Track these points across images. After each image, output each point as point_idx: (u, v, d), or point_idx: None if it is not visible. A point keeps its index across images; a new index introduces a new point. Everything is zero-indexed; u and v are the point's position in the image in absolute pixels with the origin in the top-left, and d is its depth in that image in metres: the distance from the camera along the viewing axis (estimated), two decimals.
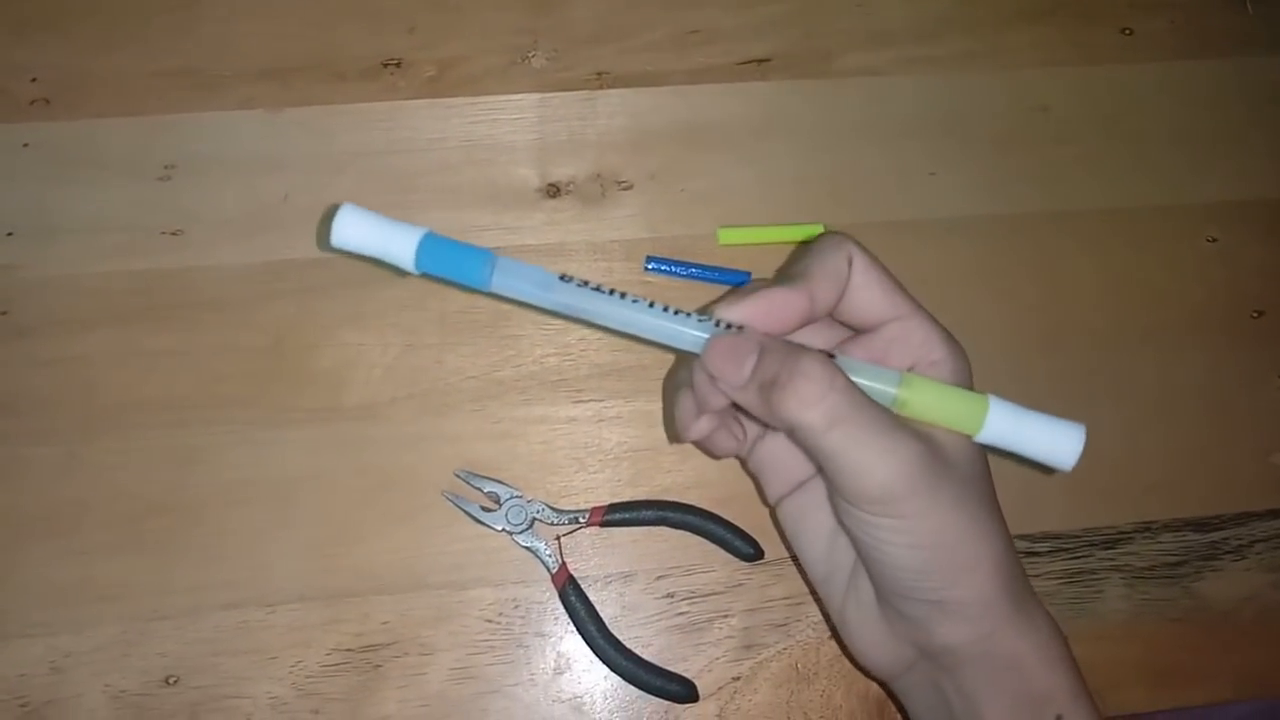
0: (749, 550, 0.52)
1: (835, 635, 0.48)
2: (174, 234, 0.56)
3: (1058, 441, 0.36)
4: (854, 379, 0.36)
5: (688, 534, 0.53)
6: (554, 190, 0.58)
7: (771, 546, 0.52)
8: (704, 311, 0.39)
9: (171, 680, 0.50)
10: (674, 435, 0.40)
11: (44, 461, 0.52)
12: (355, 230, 0.36)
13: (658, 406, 0.55)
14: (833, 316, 0.40)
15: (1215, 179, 0.61)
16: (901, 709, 0.44)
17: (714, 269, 0.56)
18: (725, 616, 0.52)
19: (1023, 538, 0.54)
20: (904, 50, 0.62)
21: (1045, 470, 0.38)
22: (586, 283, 0.38)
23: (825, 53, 0.61)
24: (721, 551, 0.53)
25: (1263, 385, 0.58)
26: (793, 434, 0.36)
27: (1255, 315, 0.59)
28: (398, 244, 0.36)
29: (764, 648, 0.52)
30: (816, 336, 0.42)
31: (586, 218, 0.58)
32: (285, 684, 0.50)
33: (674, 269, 0.56)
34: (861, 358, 0.39)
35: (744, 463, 0.47)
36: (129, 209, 0.56)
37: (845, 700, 0.52)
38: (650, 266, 0.56)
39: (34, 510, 0.52)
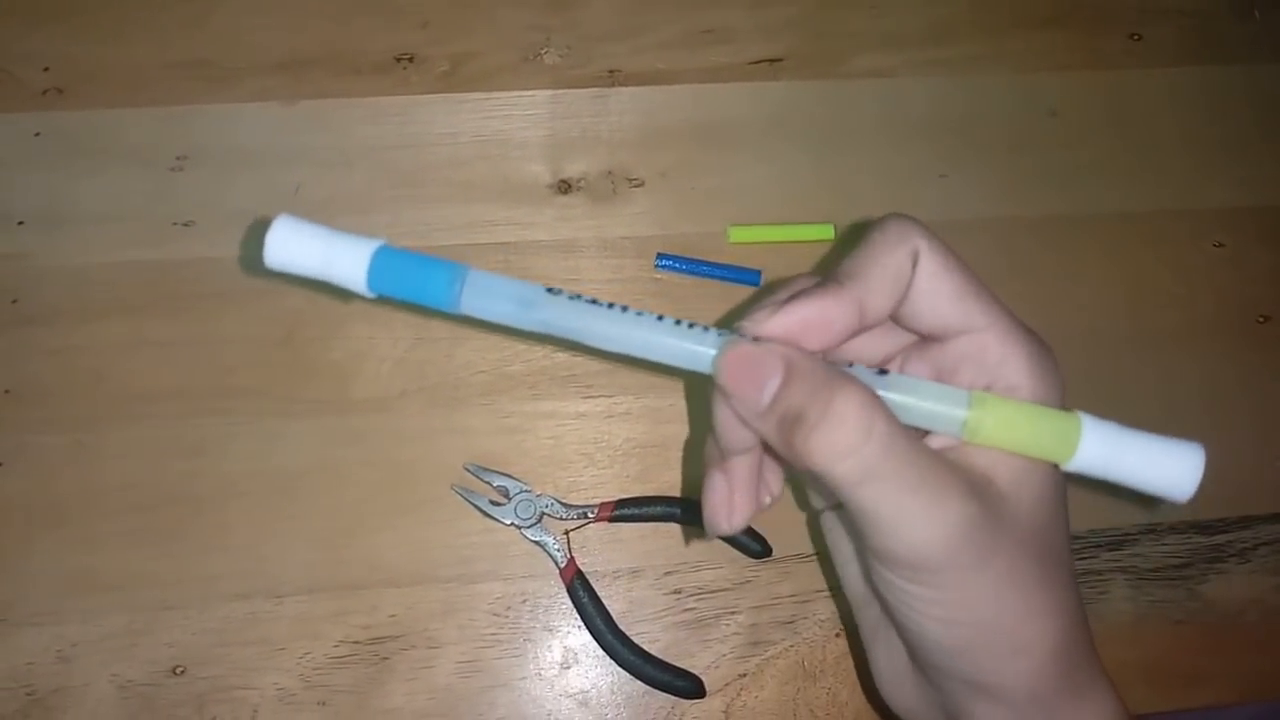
0: (757, 547, 0.52)
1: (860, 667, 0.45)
2: (185, 225, 0.56)
3: (1170, 466, 0.29)
4: (911, 401, 0.29)
5: (696, 530, 0.53)
6: (565, 186, 0.58)
7: (780, 544, 0.53)
8: (728, 326, 0.31)
9: (179, 670, 0.50)
10: (709, 528, 0.33)
11: (52, 450, 0.52)
12: (293, 247, 0.29)
13: (667, 403, 0.55)
14: (893, 319, 0.33)
15: (1222, 185, 0.62)
16: None
17: (725, 267, 0.57)
18: (733, 613, 0.52)
19: None
20: (915, 52, 0.62)
21: (1152, 502, 0.33)
22: (579, 296, 0.30)
23: (837, 54, 0.62)
24: (729, 548, 0.53)
25: (1269, 390, 0.58)
26: (816, 479, 0.29)
27: (1261, 320, 0.59)
28: (345, 262, 0.29)
29: (771, 645, 0.52)
30: (870, 341, 0.35)
31: (597, 214, 0.58)
32: (293, 675, 0.50)
33: (684, 266, 0.57)
34: (923, 374, 0.33)
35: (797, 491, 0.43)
36: (140, 199, 0.56)
37: (851, 698, 0.52)
38: (661, 264, 0.57)
39: (42, 499, 0.51)
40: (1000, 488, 0.30)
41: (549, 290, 0.30)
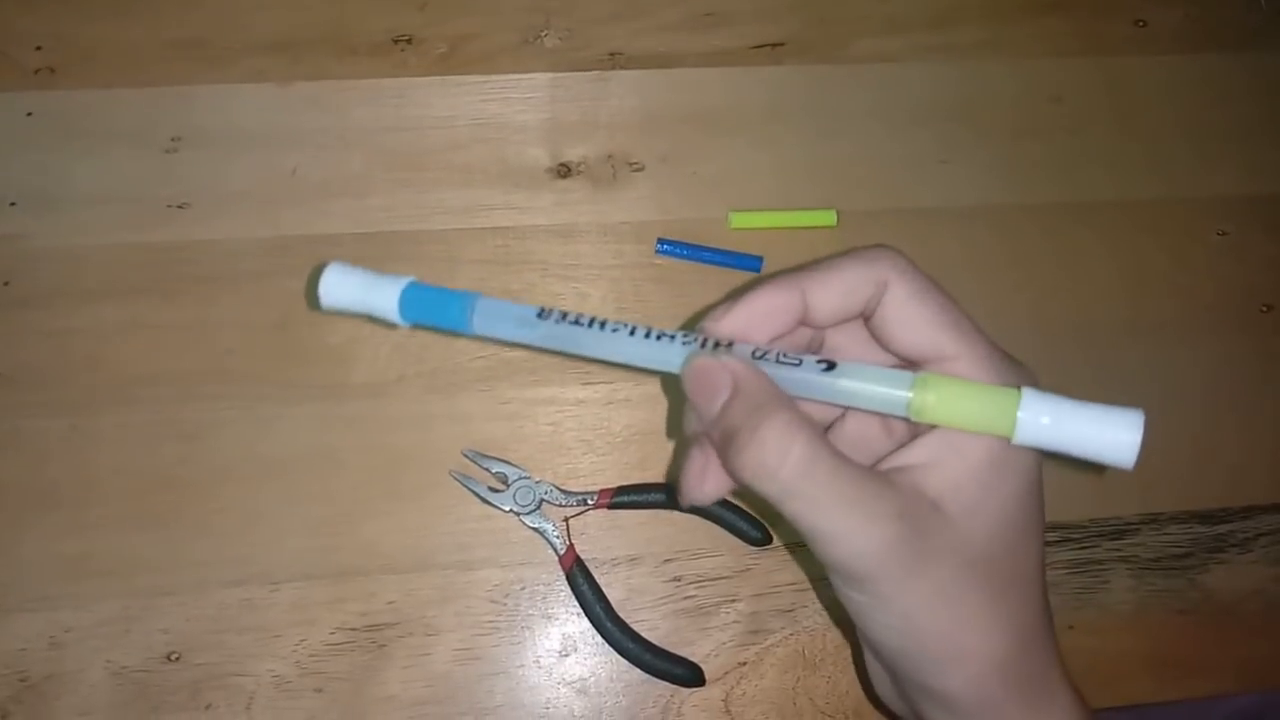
0: (757, 535, 0.52)
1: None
2: (180, 207, 0.55)
3: (1112, 434, 0.30)
4: (857, 386, 0.31)
5: (696, 518, 0.53)
6: (565, 170, 0.58)
7: (780, 532, 0.52)
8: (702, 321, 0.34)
9: (174, 657, 0.49)
10: (682, 496, 0.35)
11: (46, 435, 0.52)
12: (341, 290, 0.35)
13: (665, 393, 0.54)
14: (879, 343, 0.34)
15: (1225, 173, 0.61)
16: None
17: (725, 253, 0.56)
18: (732, 601, 0.52)
19: None
20: (918, 38, 0.62)
21: (1098, 470, 0.34)
22: (566, 315, 0.34)
23: (839, 38, 0.61)
24: (729, 536, 0.53)
25: (1270, 379, 0.58)
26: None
27: (1264, 310, 0.59)
28: (382, 298, 0.35)
29: (770, 633, 0.52)
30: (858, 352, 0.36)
31: (597, 199, 0.57)
32: (289, 662, 0.50)
33: (685, 252, 0.56)
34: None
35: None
36: (135, 181, 0.55)
37: (851, 687, 0.51)
38: (661, 249, 0.56)
39: (36, 484, 0.51)
40: (948, 515, 0.31)
41: (540, 314, 0.34)
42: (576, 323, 0.34)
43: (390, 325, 0.35)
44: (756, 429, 0.30)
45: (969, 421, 0.31)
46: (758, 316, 0.33)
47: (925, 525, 0.31)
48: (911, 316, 0.33)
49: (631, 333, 0.33)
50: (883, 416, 0.35)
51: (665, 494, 0.52)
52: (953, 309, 0.33)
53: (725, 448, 0.31)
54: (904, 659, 0.32)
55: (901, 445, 0.33)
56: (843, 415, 0.37)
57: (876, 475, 0.31)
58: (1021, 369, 0.33)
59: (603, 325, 0.33)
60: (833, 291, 0.33)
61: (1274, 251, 0.60)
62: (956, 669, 0.32)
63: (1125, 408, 0.30)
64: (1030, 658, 0.33)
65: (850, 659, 0.52)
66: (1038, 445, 0.30)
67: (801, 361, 0.32)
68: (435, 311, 0.35)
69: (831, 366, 0.32)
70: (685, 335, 0.33)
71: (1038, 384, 0.31)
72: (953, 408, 0.30)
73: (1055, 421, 0.30)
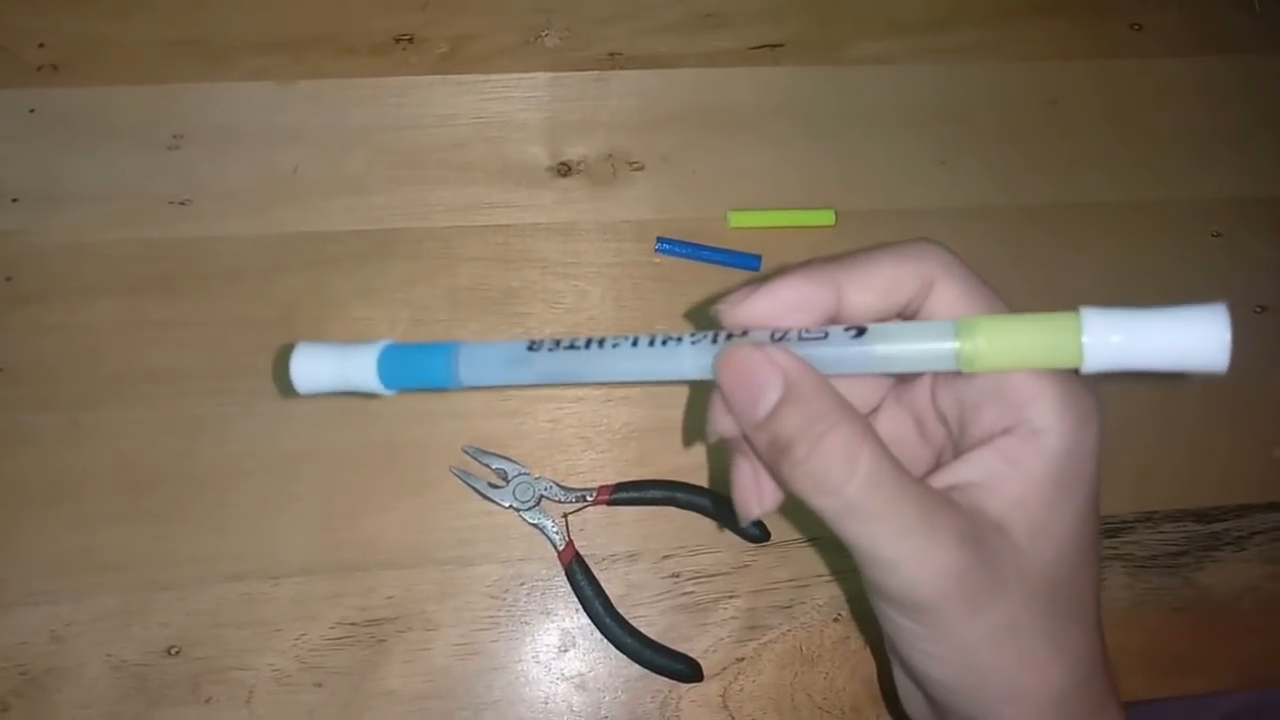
0: (755, 532, 0.52)
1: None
2: (182, 204, 0.55)
3: (1194, 338, 0.25)
4: (897, 349, 0.28)
5: (694, 514, 0.53)
6: (565, 169, 0.58)
7: (778, 529, 0.53)
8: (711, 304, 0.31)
9: (173, 651, 0.49)
10: (740, 515, 0.33)
11: (47, 429, 0.52)
12: (314, 371, 0.32)
13: (667, 388, 0.55)
14: None
15: (1221, 175, 0.62)
16: None
17: (725, 252, 0.56)
18: (731, 597, 0.52)
19: None
20: (916, 40, 0.62)
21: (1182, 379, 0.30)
22: (560, 342, 0.31)
23: (838, 40, 0.61)
24: (728, 533, 0.53)
25: (1265, 380, 0.58)
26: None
27: (1259, 310, 0.59)
28: (358, 370, 0.31)
29: (768, 629, 0.52)
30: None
31: (597, 197, 0.58)
32: (288, 656, 0.50)
33: (684, 251, 0.56)
34: (947, 408, 0.31)
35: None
36: (137, 178, 0.56)
37: (849, 683, 0.52)
38: (661, 248, 0.56)
39: (36, 478, 0.51)
40: (1014, 538, 0.28)
41: (530, 347, 0.31)
42: (572, 347, 0.30)
43: (374, 396, 0.33)
44: (820, 440, 0.27)
45: (1029, 358, 0.27)
46: (784, 307, 0.30)
47: (990, 551, 0.28)
48: (973, 313, 0.30)
49: (634, 344, 0.30)
50: (917, 421, 0.33)
51: (664, 490, 0.52)
52: (1003, 308, 0.30)
53: (778, 457, 0.28)
54: (954, 695, 0.30)
55: (941, 455, 0.32)
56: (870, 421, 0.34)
57: (940, 495, 0.28)
58: (1081, 382, 0.29)
59: (600, 343, 0.30)
60: (873, 288, 0.30)
61: (1268, 253, 0.61)
62: (1016, 707, 0.30)
63: (1204, 305, 0.25)
64: (1089, 691, 0.31)
65: (848, 654, 0.52)
66: (1113, 369, 0.26)
67: (828, 334, 0.29)
68: (418, 371, 0.32)
69: (861, 332, 0.28)
70: (693, 336, 0.30)
71: (1097, 397, 0.29)
72: (1008, 348, 0.27)
73: (1128, 338, 0.26)
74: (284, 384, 0.32)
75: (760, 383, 0.28)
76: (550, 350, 0.31)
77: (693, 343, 0.29)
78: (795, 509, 0.53)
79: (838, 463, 0.27)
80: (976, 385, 0.30)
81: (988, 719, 0.30)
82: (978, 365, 0.27)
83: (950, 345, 0.27)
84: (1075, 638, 0.30)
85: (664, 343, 0.30)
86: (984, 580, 0.27)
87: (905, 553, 0.27)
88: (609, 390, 0.54)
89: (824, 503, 0.27)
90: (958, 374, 0.29)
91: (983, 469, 0.29)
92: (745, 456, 0.31)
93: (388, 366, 0.31)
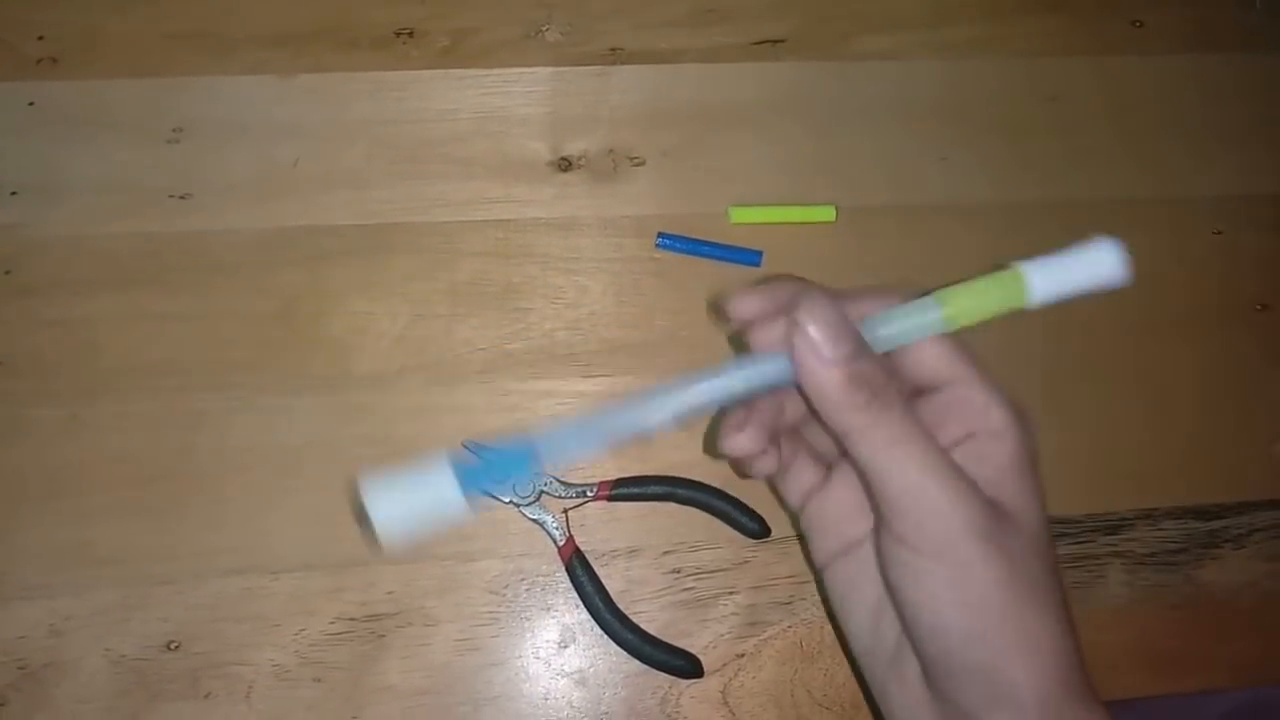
0: (755, 527, 0.52)
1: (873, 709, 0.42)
2: (182, 197, 0.55)
3: (1100, 264, 0.34)
4: (896, 327, 0.34)
5: (695, 510, 0.53)
6: (565, 164, 0.58)
7: (778, 525, 0.53)
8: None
9: (173, 646, 0.49)
10: (717, 445, 0.37)
11: (46, 423, 0.52)
12: (397, 518, 0.31)
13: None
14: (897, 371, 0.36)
15: (1222, 172, 0.62)
16: None
17: (725, 247, 0.56)
18: (731, 593, 0.52)
19: None
20: (918, 35, 0.62)
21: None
22: (621, 403, 0.34)
23: (840, 35, 0.61)
24: (728, 528, 0.53)
25: (1265, 377, 0.58)
26: (855, 456, 0.33)
27: (1259, 309, 0.59)
28: (442, 501, 0.32)
29: (769, 625, 0.52)
30: None
31: (598, 193, 0.58)
32: (288, 651, 0.50)
33: (685, 246, 0.56)
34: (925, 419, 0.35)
35: (795, 520, 0.44)
36: (136, 171, 0.55)
37: (849, 679, 0.52)
38: (661, 243, 0.56)
39: (35, 472, 0.51)
40: (1004, 502, 0.33)
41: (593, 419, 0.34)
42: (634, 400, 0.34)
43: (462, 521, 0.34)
44: (889, 401, 0.33)
45: (993, 308, 0.34)
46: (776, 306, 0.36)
47: (1002, 508, 0.33)
48: (937, 347, 0.35)
49: (687, 381, 0.34)
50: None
51: (664, 486, 0.52)
52: (962, 341, 0.36)
53: (854, 389, 0.32)
54: (973, 643, 0.32)
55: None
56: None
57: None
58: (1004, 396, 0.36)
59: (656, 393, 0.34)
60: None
61: (1269, 251, 0.60)
62: (1028, 653, 0.32)
63: (1097, 241, 0.34)
64: (1080, 664, 0.34)
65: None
66: (1049, 301, 0.34)
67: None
68: (500, 475, 0.34)
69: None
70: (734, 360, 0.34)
71: (1017, 408, 0.35)
72: (976, 305, 0.34)
73: (1056, 277, 0.34)
74: (369, 532, 0.31)
75: (840, 330, 0.32)
76: (616, 408, 0.34)
77: (737, 366, 0.34)
78: None
79: (897, 398, 0.32)
80: (940, 400, 0.35)
81: (995, 668, 0.32)
82: (959, 323, 0.34)
83: (937, 315, 0.34)
84: (1062, 609, 0.34)
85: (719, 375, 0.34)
86: (1001, 528, 0.32)
87: (945, 491, 0.32)
88: (609, 386, 0.54)
89: (894, 427, 0.32)
90: (925, 392, 0.36)
91: (960, 459, 0.33)
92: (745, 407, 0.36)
93: (471, 483, 0.32)
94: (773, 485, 0.41)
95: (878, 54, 0.61)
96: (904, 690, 0.36)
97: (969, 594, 0.32)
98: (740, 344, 0.38)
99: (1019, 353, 0.57)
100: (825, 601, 0.45)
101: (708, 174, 0.58)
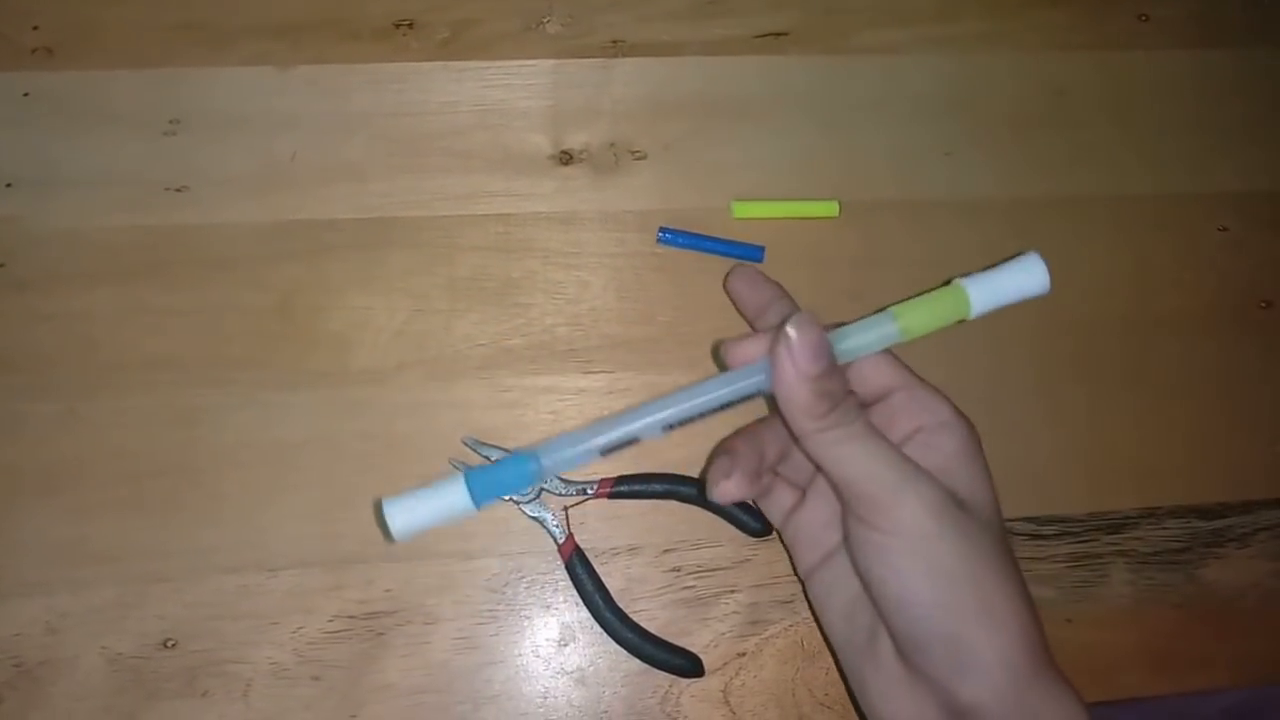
0: (757, 525, 0.52)
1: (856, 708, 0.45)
2: (179, 190, 0.55)
3: (1028, 277, 0.40)
4: (855, 342, 0.39)
5: (695, 508, 0.52)
6: (566, 158, 0.57)
7: None
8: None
9: (170, 643, 0.49)
10: (708, 494, 0.42)
11: (42, 418, 0.51)
12: (408, 518, 0.37)
13: (668, 379, 0.54)
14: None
15: (1228, 169, 0.61)
16: None
17: (727, 242, 0.56)
18: (732, 592, 0.52)
19: (1029, 520, 0.54)
20: (922, 29, 0.61)
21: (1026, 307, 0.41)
22: (618, 416, 0.39)
23: (843, 29, 0.61)
24: (729, 526, 0.52)
25: (1270, 375, 0.58)
26: (814, 455, 0.38)
27: (1264, 306, 0.59)
28: (452, 504, 0.37)
29: (770, 624, 0.52)
30: None
31: (599, 186, 0.57)
32: (286, 650, 0.49)
33: (686, 241, 0.56)
34: (877, 423, 0.40)
35: (780, 535, 0.48)
36: (133, 163, 0.55)
37: None
38: (663, 238, 0.56)
39: (31, 467, 0.50)
40: (958, 491, 0.37)
41: (595, 438, 0.39)
42: (623, 415, 0.39)
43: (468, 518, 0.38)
44: (847, 395, 0.38)
45: (942, 319, 0.39)
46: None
47: (946, 490, 0.37)
48: (882, 360, 0.42)
49: (681, 395, 0.39)
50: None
51: (665, 484, 0.52)
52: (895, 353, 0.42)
53: (818, 399, 0.37)
54: (941, 611, 0.36)
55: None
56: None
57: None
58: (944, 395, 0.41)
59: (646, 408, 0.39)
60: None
61: (1275, 248, 0.60)
62: (992, 621, 0.36)
63: (1025, 255, 0.41)
64: (1041, 641, 0.37)
65: None
66: (988, 311, 0.40)
67: None
68: (504, 484, 0.38)
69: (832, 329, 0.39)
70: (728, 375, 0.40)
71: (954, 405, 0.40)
72: (928, 317, 0.39)
73: (992, 291, 0.40)
74: (384, 530, 0.37)
75: (821, 350, 0.37)
76: (611, 424, 0.39)
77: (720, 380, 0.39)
78: None
79: (855, 407, 0.37)
80: (889, 405, 0.41)
81: (961, 635, 0.36)
82: (913, 333, 0.39)
83: (894, 329, 0.39)
84: (1019, 577, 0.38)
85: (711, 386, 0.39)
86: (955, 507, 0.36)
87: (897, 472, 0.36)
88: (610, 382, 0.54)
89: (850, 427, 0.37)
90: (874, 403, 0.42)
91: (912, 453, 0.38)
92: (728, 451, 0.42)
93: (479, 490, 0.37)
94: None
95: (882, 48, 0.61)
96: (879, 672, 0.39)
97: (930, 563, 0.36)
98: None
99: (1022, 352, 0.56)
100: (809, 607, 0.47)
101: (710, 168, 0.58)
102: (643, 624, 0.51)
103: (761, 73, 0.60)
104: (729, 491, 0.40)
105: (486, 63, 0.58)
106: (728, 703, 0.51)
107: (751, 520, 0.52)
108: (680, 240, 0.56)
